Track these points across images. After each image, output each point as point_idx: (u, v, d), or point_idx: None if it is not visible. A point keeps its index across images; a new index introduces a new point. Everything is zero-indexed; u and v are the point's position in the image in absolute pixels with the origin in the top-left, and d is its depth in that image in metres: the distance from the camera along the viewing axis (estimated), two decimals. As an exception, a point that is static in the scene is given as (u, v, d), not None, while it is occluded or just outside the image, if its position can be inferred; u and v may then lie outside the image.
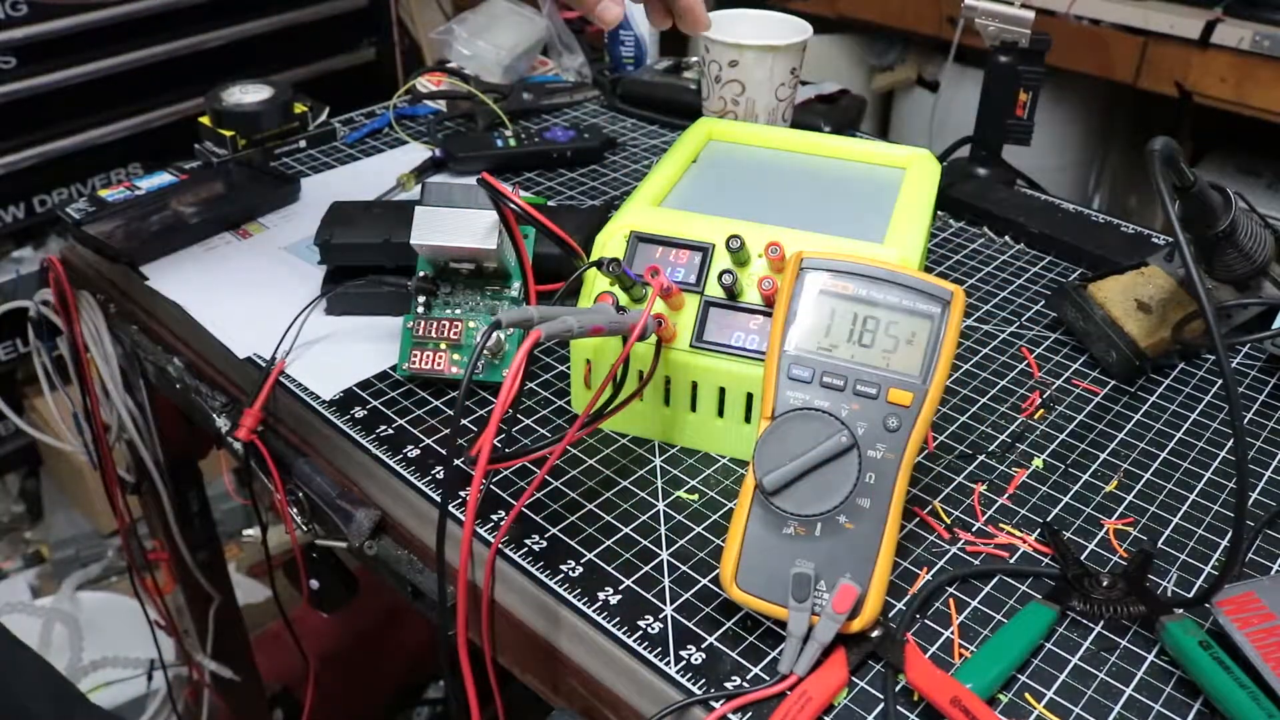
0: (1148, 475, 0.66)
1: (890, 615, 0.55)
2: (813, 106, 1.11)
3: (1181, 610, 0.54)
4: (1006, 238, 0.93)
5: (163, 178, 0.96)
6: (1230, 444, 0.69)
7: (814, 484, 0.52)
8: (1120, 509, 0.63)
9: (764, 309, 0.62)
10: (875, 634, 0.53)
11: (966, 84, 1.52)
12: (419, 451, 0.66)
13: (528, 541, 0.59)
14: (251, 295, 0.81)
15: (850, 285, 0.55)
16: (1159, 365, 0.75)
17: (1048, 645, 0.54)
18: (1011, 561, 0.59)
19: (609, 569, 0.57)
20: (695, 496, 0.63)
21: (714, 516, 0.61)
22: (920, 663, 0.51)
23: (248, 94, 1.02)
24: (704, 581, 0.57)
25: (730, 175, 0.73)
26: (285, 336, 0.74)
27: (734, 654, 0.53)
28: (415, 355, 0.70)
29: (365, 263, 0.79)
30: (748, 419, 0.64)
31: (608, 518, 0.61)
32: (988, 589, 0.57)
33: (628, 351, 0.58)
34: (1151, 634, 0.54)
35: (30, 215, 1.70)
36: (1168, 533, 0.61)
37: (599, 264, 0.60)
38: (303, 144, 1.05)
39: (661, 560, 0.58)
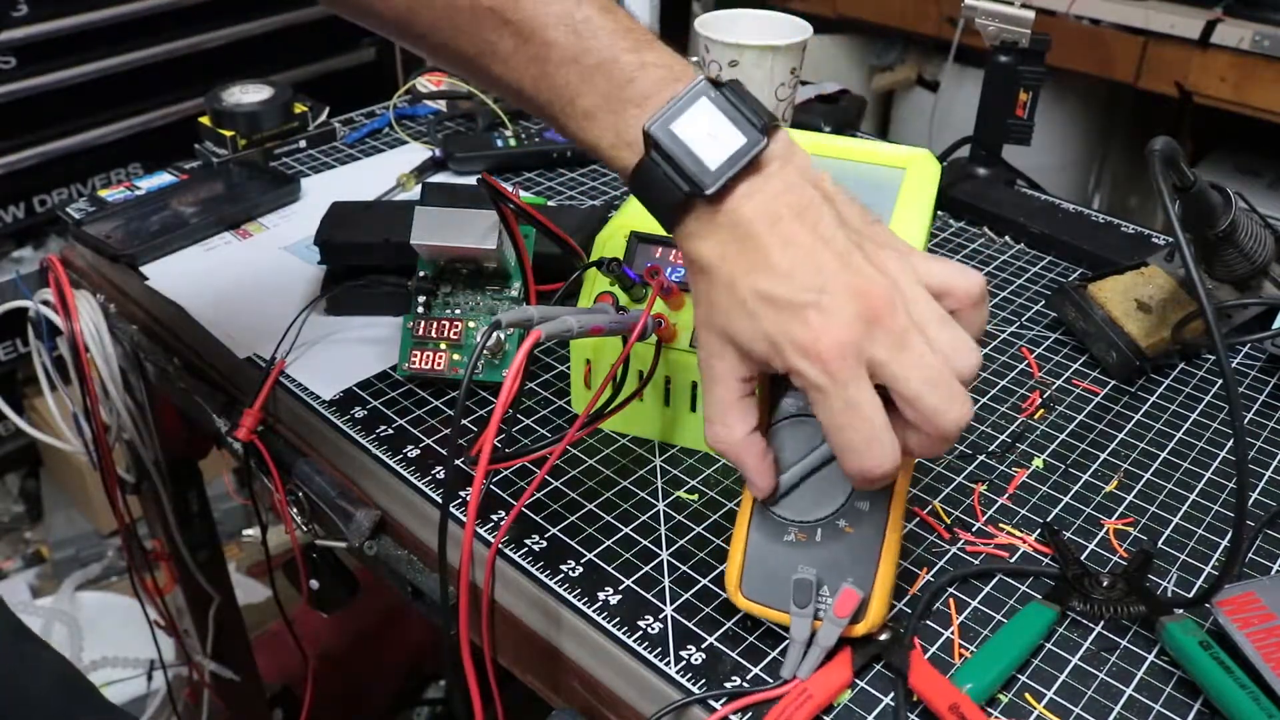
0: (1148, 475, 0.66)
1: (890, 617, 0.55)
2: (813, 106, 1.11)
3: (1181, 610, 0.54)
4: (1006, 238, 0.93)
5: (163, 178, 0.96)
6: (1230, 444, 0.69)
7: (812, 490, 0.52)
8: (1120, 509, 0.63)
9: (764, 309, 0.62)
10: (884, 637, 0.52)
11: (966, 84, 1.52)
12: (419, 451, 0.66)
13: (528, 541, 0.59)
14: (251, 295, 0.81)
15: None
16: (1159, 365, 0.75)
17: (1048, 645, 0.54)
18: (1011, 561, 0.59)
19: (609, 569, 0.57)
20: (695, 496, 0.63)
21: (714, 516, 0.61)
22: (923, 667, 0.51)
23: (248, 94, 1.02)
24: (704, 581, 0.57)
25: (730, 175, 0.73)
26: (285, 336, 0.73)
27: (734, 654, 0.53)
28: (415, 355, 0.70)
29: (365, 263, 0.79)
30: (748, 419, 0.64)
31: (608, 518, 0.61)
32: (988, 589, 0.57)
33: (628, 351, 0.58)
34: (1151, 634, 0.54)
35: (30, 215, 1.70)
36: (1168, 533, 0.61)
37: (599, 264, 0.60)
38: (303, 144, 1.05)
39: (661, 560, 0.58)
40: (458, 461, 0.63)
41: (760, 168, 0.46)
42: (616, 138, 0.49)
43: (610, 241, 0.65)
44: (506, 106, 1.09)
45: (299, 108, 1.04)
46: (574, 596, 0.56)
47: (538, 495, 0.62)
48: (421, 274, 0.72)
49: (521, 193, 0.66)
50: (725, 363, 0.48)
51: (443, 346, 0.70)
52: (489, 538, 0.59)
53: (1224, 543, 0.61)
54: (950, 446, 0.47)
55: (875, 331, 0.44)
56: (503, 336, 0.69)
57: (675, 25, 1.21)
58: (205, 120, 1.00)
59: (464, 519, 0.57)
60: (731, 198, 0.46)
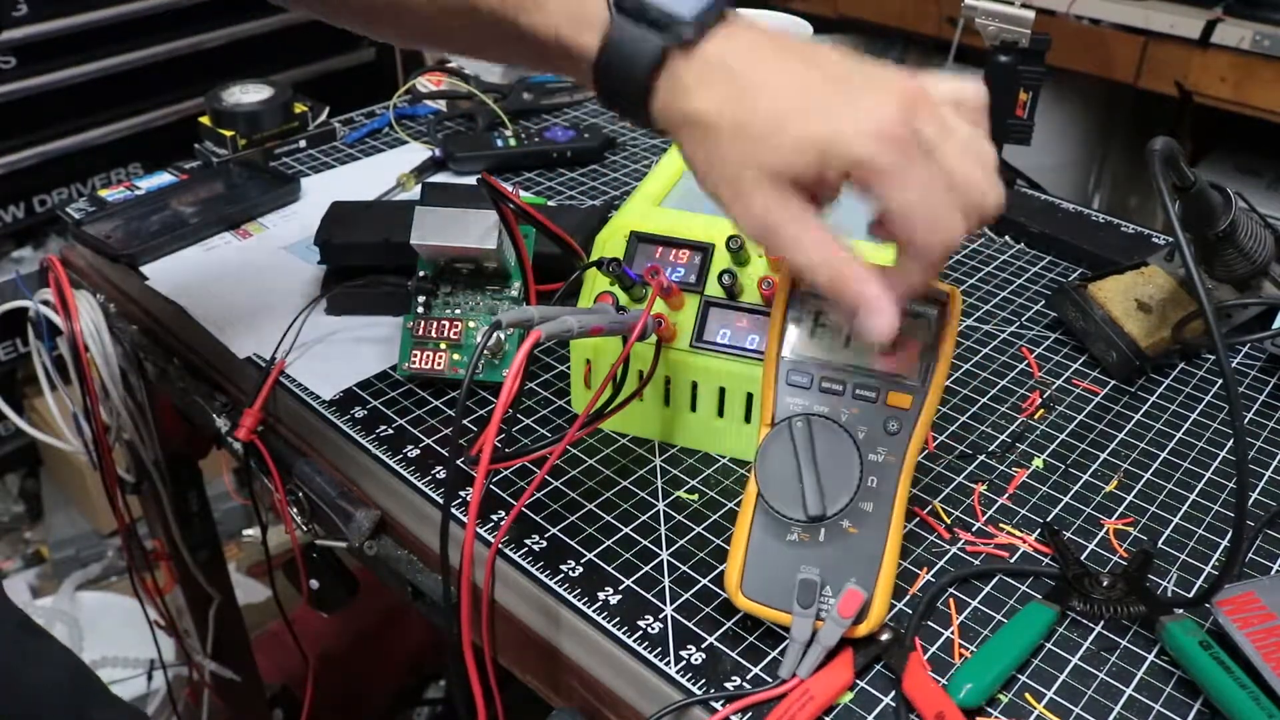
0: (1148, 475, 0.66)
1: (890, 617, 0.55)
2: (813, 106, 1.10)
3: (1181, 610, 0.54)
4: (1006, 238, 0.93)
5: (163, 178, 0.96)
6: (1230, 444, 0.69)
7: (815, 489, 0.52)
8: (1120, 509, 0.63)
9: (764, 309, 0.62)
10: (884, 637, 0.53)
11: (966, 84, 1.52)
12: (419, 451, 0.66)
13: (528, 541, 0.59)
14: (251, 295, 0.81)
15: None
16: (1159, 365, 0.75)
17: (1048, 645, 0.54)
18: (1011, 561, 0.59)
19: (609, 569, 0.57)
20: (695, 496, 0.63)
21: (714, 516, 0.61)
22: (918, 672, 0.51)
23: (248, 94, 1.02)
24: (704, 581, 0.57)
25: (730, 175, 0.73)
26: (285, 336, 0.73)
27: (734, 654, 0.53)
28: (415, 355, 0.70)
29: (365, 263, 0.79)
30: (748, 419, 0.64)
31: (608, 518, 0.61)
32: (988, 589, 0.57)
33: (628, 351, 0.58)
34: (1151, 634, 0.54)
35: (30, 215, 1.70)
36: (1168, 533, 0.61)
37: (599, 264, 0.60)
38: (303, 144, 1.05)
39: (661, 560, 0.58)
40: (458, 461, 0.63)
41: (730, 19, 0.45)
42: (572, 18, 0.46)
43: (610, 241, 0.65)
44: (507, 106, 1.09)
45: (299, 108, 1.04)
46: (574, 596, 0.56)
47: (538, 495, 0.62)
48: (421, 274, 0.72)
49: (521, 193, 0.66)
50: (777, 198, 0.43)
51: (443, 346, 0.70)
52: (489, 538, 0.59)
53: (1224, 543, 0.61)
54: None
55: (920, 113, 0.42)
56: (503, 336, 0.69)
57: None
58: (205, 120, 1.00)
59: (465, 519, 0.57)
60: (712, 42, 0.44)
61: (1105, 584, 0.56)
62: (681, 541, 0.59)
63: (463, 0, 0.49)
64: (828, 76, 0.43)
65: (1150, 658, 0.53)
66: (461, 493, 0.62)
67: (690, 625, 0.54)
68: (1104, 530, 0.61)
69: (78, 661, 0.76)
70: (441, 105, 1.13)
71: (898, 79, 0.43)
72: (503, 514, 0.61)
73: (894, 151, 0.42)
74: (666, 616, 0.55)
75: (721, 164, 0.44)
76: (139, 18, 1.67)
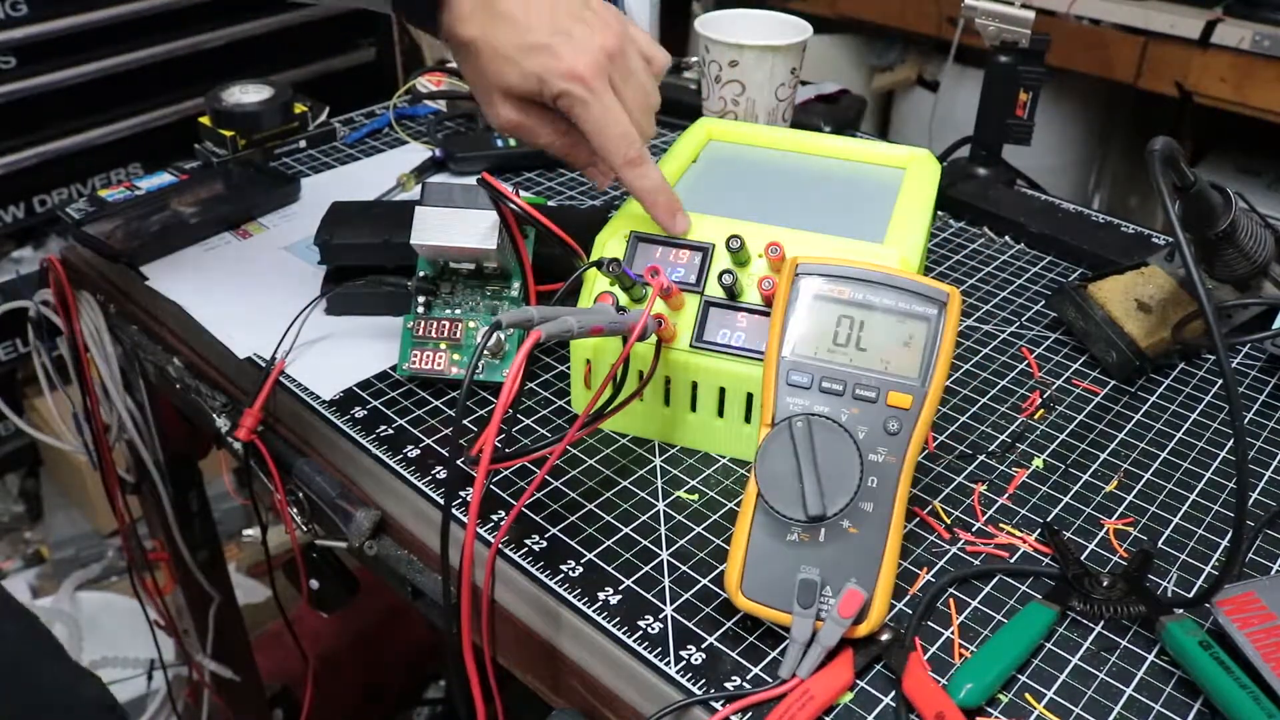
0: (1148, 475, 0.66)
1: (890, 617, 0.55)
2: (813, 106, 1.11)
3: (1181, 610, 0.54)
4: (1006, 238, 0.93)
5: (163, 178, 0.96)
6: (1230, 444, 0.69)
7: (815, 490, 0.52)
8: (1120, 509, 0.63)
9: (764, 309, 0.62)
10: (884, 637, 0.53)
11: (966, 84, 1.52)
12: (419, 451, 0.66)
13: (528, 541, 0.59)
14: (251, 295, 0.81)
15: (846, 289, 0.55)
16: (1159, 365, 0.75)
17: (1048, 645, 0.54)
18: (1011, 561, 0.59)
19: (609, 569, 0.57)
20: (695, 496, 0.63)
21: (714, 516, 0.61)
22: (918, 672, 0.51)
23: (248, 94, 1.02)
24: (704, 581, 0.57)
25: (730, 175, 0.73)
26: (285, 336, 0.73)
27: (734, 654, 0.53)
28: (415, 355, 0.70)
29: (365, 263, 0.79)
30: (748, 419, 0.64)
31: (608, 518, 0.61)
32: (988, 589, 0.57)
33: (628, 351, 0.58)
34: (1151, 634, 0.54)
35: (30, 215, 1.70)
36: (1168, 533, 0.61)
37: (599, 264, 0.60)
38: (303, 144, 1.05)
39: (661, 560, 0.58)
40: (458, 461, 0.63)
41: None
42: None
43: (610, 241, 0.65)
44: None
45: (299, 108, 1.04)
46: (574, 596, 0.56)
47: (538, 495, 0.62)
48: (421, 274, 0.72)
49: (521, 193, 0.66)
50: (515, 107, 0.62)
51: (443, 346, 0.70)
52: (489, 538, 0.59)
53: (1224, 543, 0.61)
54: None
55: (616, 61, 0.60)
56: (503, 336, 0.69)
57: (675, 25, 1.21)
58: (205, 120, 1.00)
59: (465, 519, 0.57)
60: None
61: (1105, 584, 0.56)
62: (681, 541, 0.59)
63: None
64: (556, 13, 0.59)
65: (1150, 658, 0.53)
66: (461, 493, 0.62)
67: (690, 625, 0.54)
68: (1104, 530, 0.61)
69: (33, 618, 0.79)
70: (441, 105, 1.13)
71: (609, 30, 0.60)
72: (503, 514, 0.61)
73: (585, 90, 0.59)
74: (666, 616, 0.55)
75: (481, 78, 0.62)
76: (139, 18, 1.66)
